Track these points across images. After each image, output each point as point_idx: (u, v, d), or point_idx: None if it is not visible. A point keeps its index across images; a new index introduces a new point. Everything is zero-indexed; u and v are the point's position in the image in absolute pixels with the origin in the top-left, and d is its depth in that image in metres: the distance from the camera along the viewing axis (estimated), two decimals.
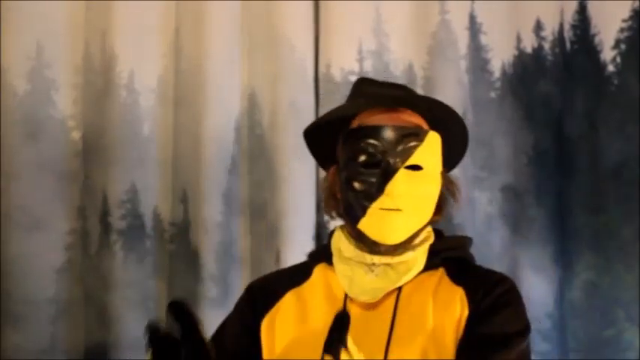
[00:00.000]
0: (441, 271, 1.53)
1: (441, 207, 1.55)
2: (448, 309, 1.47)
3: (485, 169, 2.60)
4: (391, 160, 1.47)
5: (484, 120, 2.61)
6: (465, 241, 1.60)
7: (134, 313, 2.48)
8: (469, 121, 2.58)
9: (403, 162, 1.47)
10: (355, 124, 1.52)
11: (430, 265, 1.52)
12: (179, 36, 2.60)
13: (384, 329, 1.45)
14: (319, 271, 1.57)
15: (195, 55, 2.58)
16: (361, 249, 1.51)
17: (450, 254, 1.54)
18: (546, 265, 2.56)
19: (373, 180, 1.47)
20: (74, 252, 2.52)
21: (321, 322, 1.45)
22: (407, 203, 1.47)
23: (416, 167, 1.48)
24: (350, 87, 1.62)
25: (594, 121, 2.57)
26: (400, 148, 1.47)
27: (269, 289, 1.58)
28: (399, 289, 1.49)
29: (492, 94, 2.62)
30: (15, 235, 2.46)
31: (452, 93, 2.57)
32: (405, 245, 1.50)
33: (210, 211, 2.54)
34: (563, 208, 2.58)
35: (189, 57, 2.59)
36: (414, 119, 1.52)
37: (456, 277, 1.51)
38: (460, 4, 2.63)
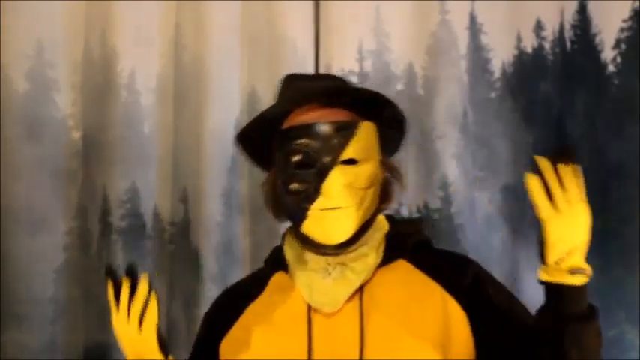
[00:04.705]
0: (402, 262, 1.46)
1: (388, 194, 1.48)
2: (426, 303, 1.42)
3: (485, 169, 2.59)
4: (325, 159, 1.40)
5: (484, 120, 2.60)
6: (419, 224, 1.55)
7: None
8: (469, 120, 2.59)
9: (337, 158, 1.40)
10: (286, 124, 1.45)
11: (389, 258, 1.45)
12: (179, 35, 2.61)
13: (354, 333, 1.40)
14: (276, 281, 1.51)
15: (196, 54, 2.59)
16: (312, 251, 1.45)
17: (408, 242, 1.48)
18: None
19: (309, 181, 1.40)
20: (74, 252, 2.53)
21: (285, 339, 1.42)
22: (346, 200, 1.40)
23: (351, 161, 1.41)
24: None
25: (594, 121, 2.57)
26: (333, 143, 1.40)
27: (228, 306, 1.52)
28: (361, 288, 1.42)
29: (492, 94, 2.62)
30: (15, 235, 2.47)
31: (452, 93, 2.58)
32: (355, 241, 1.44)
33: (211, 211, 2.55)
34: None
35: (190, 56, 2.60)
36: (344, 111, 1.45)
37: (423, 266, 1.46)
38: (460, 4, 2.63)
